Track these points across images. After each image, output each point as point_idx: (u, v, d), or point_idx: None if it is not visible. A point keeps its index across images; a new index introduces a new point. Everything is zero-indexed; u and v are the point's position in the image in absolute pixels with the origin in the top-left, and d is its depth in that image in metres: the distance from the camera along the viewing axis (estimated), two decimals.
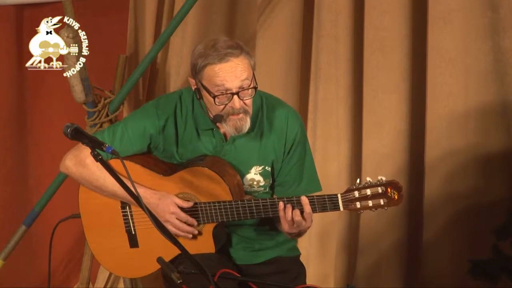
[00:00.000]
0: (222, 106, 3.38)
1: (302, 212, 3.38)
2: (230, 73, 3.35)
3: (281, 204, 3.38)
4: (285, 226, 3.41)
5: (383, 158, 4.74)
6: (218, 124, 3.46)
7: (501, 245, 4.45)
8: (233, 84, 3.35)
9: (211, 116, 3.44)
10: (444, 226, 4.68)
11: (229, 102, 3.37)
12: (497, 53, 4.60)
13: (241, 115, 3.39)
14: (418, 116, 4.74)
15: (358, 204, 3.37)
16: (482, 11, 4.59)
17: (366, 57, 4.75)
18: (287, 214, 3.38)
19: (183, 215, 3.44)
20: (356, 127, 4.83)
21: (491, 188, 4.64)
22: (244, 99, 3.39)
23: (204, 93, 3.41)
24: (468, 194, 4.65)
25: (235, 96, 3.37)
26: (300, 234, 3.47)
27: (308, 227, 3.43)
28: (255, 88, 3.40)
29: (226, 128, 3.42)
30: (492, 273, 4.43)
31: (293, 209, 3.38)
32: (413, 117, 4.74)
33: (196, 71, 3.40)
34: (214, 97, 3.36)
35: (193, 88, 3.46)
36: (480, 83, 4.62)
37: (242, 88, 3.37)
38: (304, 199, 3.37)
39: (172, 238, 3.09)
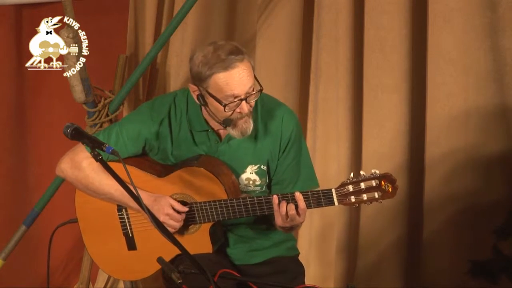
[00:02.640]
0: (230, 112, 3.39)
1: (297, 207, 3.38)
2: (238, 81, 3.36)
3: (275, 198, 3.39)
4: (278, 220, 3.42)
5: (383, 158, 4.74)
6: (213, 124, 3.47)
7: (501, 245, 4.45)
8: (241, 91, 3.38)
9: (219, 120, 3.44)
10: (444, 226, 4.68)
11: (237, 108, 3.39)
12: (497, 52, 4.60)
13: (245, 117, 3.41)
14: (418, 116, 4.74)
15: (352, 198, 3.37)
16: (482, 10, 4.59)
17: (366, 57, 4.75)
18: (281, 209, 3.38)
19: (178, 217, 3.44)
20: (356, 127, 4.83)
21: (491, 187, 4.64)
22: (251, 102, 3.41)
23: (211, 100, 3.41)
24: (468, 194, 4.65)
25: (243, 102, 3.38)
26: (292, 228, 3.48)
27: (301, 222, 3.44)
28: (260, 90, 3.42)
29: (232, 132, 3.44)
30: (492, 273, 4.43)
31: (287, 203, 3.38)
32: (413, 117, 4.74)
33: (201, 79, 3.39)
34: (225, 105, 3.38)
35: (195, 95, 3.45)
36: (480, 83, 4.62)
37: (249, 94, 3.38)
38: (298, 195, 3.38)
39: (172, 237, 3.09)
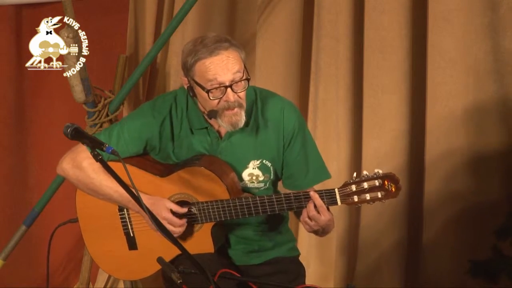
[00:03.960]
0: (216, 101, 3.38)
1: (315, 206, 3.37)
2: (222, 66, 3.34)
3: (303, 213, 3.38)
4: (306, 228, 3.41)
5: (383, 158, 4.74)
6: (213, 121, 3.46)
7: (501, 245, 4.45)
8: (225, 77, 3.35)
9: (205, 112, 3.43)
10: (444, 226, 4.68)
11: (223, 96, 3.37)
12: (497, 53, 4.60)
13: (236, 109, 3.38)
14: (418, 116, 4.74)
15: (355, 198, 3.36)
16: (482, 11, 4.59)
17: (366, 57, 4.75)
18: (303, 218, 3.38)
19: (176, 221, 3.43)
20: (356, 127, 4.83)
21: (491, 188, 4.64)
22: (238, 92, 3.38)
23: (198, 89, 3.40)
24: (468, 194, 4.65)
25: (229, 89, 3.36)
26: (325, 230, 3.43)
27: (329, 220, 3.38)
28: (247, 79, 3.40)
29: (221, 124, 3.41)
30: (492, 273, 4.43)
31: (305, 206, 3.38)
32: (413, 117, 4.74)
33: (187, 68, 3.40)
34: (208, 91, 3.36)
35: (186, 87, 3.45)
36: (480, 83, 4.62)
37: (234, 81, 3.37)
38: (313, 194, 3.36)
39: (172, 238, 3.09)
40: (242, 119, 3.41)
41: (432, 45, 4.63)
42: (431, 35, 4.63)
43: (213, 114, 3.40)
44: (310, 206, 3.36)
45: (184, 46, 3.43)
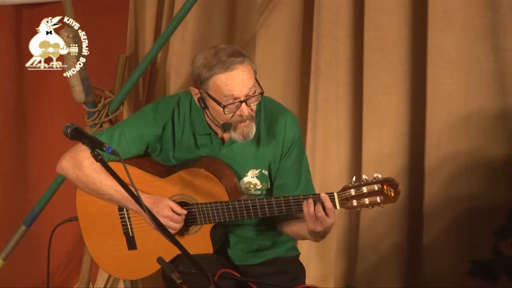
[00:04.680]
0: (230, 115, 3.39)
1: (324, 208, 3.35)
2: (238, 81, 3.36)
3: (304, 204, 3.37)
4: (309, 224, 3.38)
5: (383, 159, 4.74)
6: (216, 128, 3.47)
7: (501, 245, 4.45)
8: (241, 93, 3.37)
9: (219, 124, 3.44)
10: (445, 226, 4.68)
11: (237, 110, 3.38)
12: (497, 53, 4.60)
13: (247, 121, 3.41)
14: (418, 116, 4.74)
15: (354, 202, 3.36)
16: (482, 11, 4.59)
17: (366, 57, 4.75)
18: (309, 209, 3.35)
19: (177, 218, 3.43)
20: (356, 127, 4.83)
21: (492, 188, 4.63)
22: (251, 105, 3.41)
23: (211, 103, 3.41)
24: (468, 194, 4.65)
25: (243, 104, 3.38)
26: (325, 232, 3.43)
27: (332, 223, 3.38)
28: (261, 93, 3.42)
29: (234, 136, 3.43)
30: (492, 273, 4.43)
31: (315, 205, 3.36)
32: (413, 117, 4.74)
33: (201, 81, 3.40)
34: (224, 107, 3.37)
35: (196, 98, 3.46)
36: (480, 83, 4.62)
37: (249, 96, 3.38)
38: (324, 196, 3.35)
39: (172, 238, 3.09)
40: (253, 130, 3.44)
41: (432, 45, 4.63)
42: (431, 35, 4.63)
43: (228, 126, 3.42)
44: (319, 207, 3.36)
45: (195, 58, 3.43)
